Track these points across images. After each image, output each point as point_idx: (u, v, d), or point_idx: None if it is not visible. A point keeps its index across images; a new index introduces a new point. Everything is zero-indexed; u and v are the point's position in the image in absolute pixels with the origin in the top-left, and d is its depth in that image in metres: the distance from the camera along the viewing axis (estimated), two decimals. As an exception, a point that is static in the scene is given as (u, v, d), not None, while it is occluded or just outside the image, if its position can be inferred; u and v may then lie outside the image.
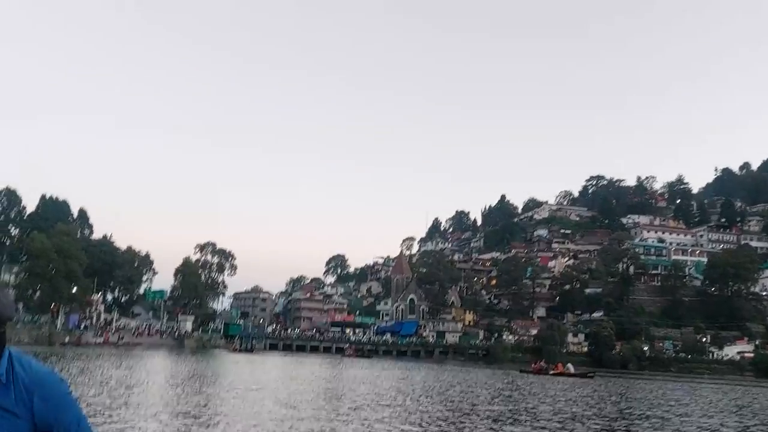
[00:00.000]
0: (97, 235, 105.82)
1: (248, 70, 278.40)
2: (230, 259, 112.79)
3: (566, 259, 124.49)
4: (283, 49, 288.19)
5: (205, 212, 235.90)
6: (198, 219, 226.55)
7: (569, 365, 55.87)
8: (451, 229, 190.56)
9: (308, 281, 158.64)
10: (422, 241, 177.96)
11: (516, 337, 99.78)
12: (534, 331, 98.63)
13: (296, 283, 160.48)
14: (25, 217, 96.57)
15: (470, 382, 38.38)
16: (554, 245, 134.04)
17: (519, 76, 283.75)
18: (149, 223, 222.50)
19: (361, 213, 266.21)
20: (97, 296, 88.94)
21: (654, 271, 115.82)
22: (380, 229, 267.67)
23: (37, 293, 76.66)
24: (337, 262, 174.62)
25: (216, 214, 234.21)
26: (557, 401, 26.68)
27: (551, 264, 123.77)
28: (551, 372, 52.59)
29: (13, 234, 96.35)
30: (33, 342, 61.21)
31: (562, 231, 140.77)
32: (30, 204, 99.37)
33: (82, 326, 77.62)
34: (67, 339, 68.39)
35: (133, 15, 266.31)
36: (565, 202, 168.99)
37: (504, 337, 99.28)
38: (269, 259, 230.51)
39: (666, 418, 21.85)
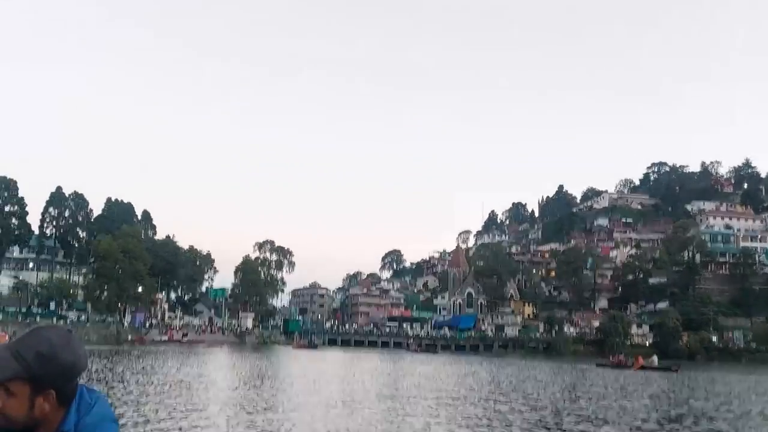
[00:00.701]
0: (160, 235, 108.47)
1: (297, 67, 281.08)
2: (288, 256, 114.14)
3: (628, 248, 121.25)
4: (334, 42, 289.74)
5: (264, 211, 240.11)
6: (256, 217, 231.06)
7: (654, 357, 53.63)
8: (507, 222, 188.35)
9: (365, 277, 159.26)
10: (479, 234, 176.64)
11: (577, 330, 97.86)
12: (596, 323, 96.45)
13: (353, 278, 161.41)
14: (92, 220, 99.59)
15: (540, 377, 37.27)
16: (615, 235, 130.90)
17: (576, 63, 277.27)
18: (209, 222, 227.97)
19: (416, 207, 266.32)
20: (161, 295, 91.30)
21: (721, 260, 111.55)
22: (436, 223, 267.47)
23: (105, 293, 78.98)
24: (392, 257, 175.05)
25: (274, 212, 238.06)
26: (642, 397, 25.54)
27: (613, 254, 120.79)
28: (632, 365, 50.39)
29: (81, 236, 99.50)
30: (102, 341, 63.15)
31: (623, 220, 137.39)
32: (96, 207, 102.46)
33: (147, 324, 79.89)
34: (129, 337, 70.54)
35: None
36: (625, 191, 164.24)
37: (565, 329, 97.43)
38: (326, 256, 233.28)
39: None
